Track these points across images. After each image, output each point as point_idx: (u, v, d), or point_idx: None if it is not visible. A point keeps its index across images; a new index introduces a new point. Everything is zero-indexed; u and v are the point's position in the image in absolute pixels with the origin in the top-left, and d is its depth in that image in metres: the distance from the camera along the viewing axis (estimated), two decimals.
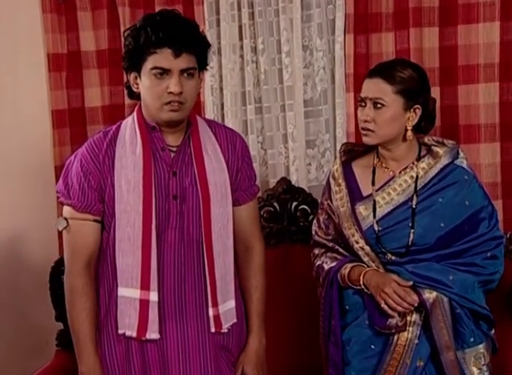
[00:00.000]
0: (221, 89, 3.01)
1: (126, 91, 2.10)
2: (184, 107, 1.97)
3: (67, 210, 2.05)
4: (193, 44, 1.96)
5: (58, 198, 2.09)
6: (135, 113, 2.06)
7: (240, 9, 2.96)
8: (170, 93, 1.93)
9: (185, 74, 1.95)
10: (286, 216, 2.82)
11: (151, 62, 1.94)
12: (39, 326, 3.08)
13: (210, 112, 2.99)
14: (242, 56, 2.99)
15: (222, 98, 3.02)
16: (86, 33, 3.01)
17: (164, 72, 1.93)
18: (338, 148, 2.96)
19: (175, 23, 1.95)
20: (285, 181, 2.85)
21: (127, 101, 2.97)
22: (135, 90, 2.02)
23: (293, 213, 2.82)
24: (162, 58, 1.93)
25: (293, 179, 2.96)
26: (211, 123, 2.14)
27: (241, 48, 2.99)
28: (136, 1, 2.98)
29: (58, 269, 2.56)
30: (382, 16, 2.88)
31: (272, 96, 3.00)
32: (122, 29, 2.93)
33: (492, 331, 2.20)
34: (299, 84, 2.96)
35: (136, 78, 2.00)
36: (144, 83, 1.97)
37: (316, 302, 2.67)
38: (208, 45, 2.04)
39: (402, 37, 2.85)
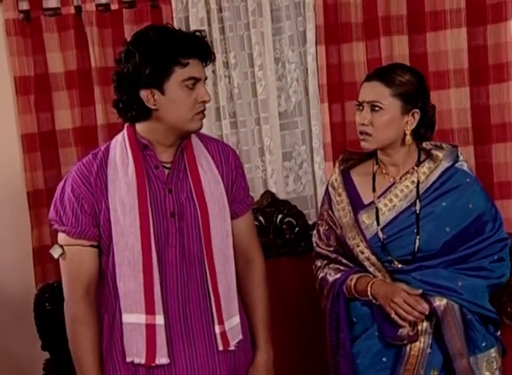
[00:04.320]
0: None
1: (119, 109, 1.97)
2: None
3: (61, 237, 1.99)
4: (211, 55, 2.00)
5: (51, 225, 2.03)
6: (125, 132, 2.00)
7: (210, 25, 2.95)
8: (203, 102, 1.94)
9: None
10: (271, 229, 2.81)
11: (184, 74, 1.90)
12: (19, 357, 2.98)
13: None
14: (214, 71, 2.98)
15: None
16: (53, 54, 2.95)
17: (194, 83, 1.92)
18: (315, 159, 3.01)
19: (196, 35, 1.96)
20: (269, 194, 2.84)
21: (100, 121, 2.94)
22: (151, 106, 1.92)
23: (279, 226, 2.81)
24: (194, 68, 1.92)
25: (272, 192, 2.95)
26: (201, 137, 2.10)
27: (213, 63, 2.95)
28: (104, 20, 2.94)
29: (42, 296, 2.50)
30: (351, 26, 2.92)
31: (247, 110, 3.01)
32: (90, 49, 2.92)
33: (498, 333, 2.20)
34: (273, 97, 2.98)
35: (153, 95, 1.91)
36: (173, 97, 1.91)
37: (306, 316, 2.67)
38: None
39: (373, 46, 2.91)
